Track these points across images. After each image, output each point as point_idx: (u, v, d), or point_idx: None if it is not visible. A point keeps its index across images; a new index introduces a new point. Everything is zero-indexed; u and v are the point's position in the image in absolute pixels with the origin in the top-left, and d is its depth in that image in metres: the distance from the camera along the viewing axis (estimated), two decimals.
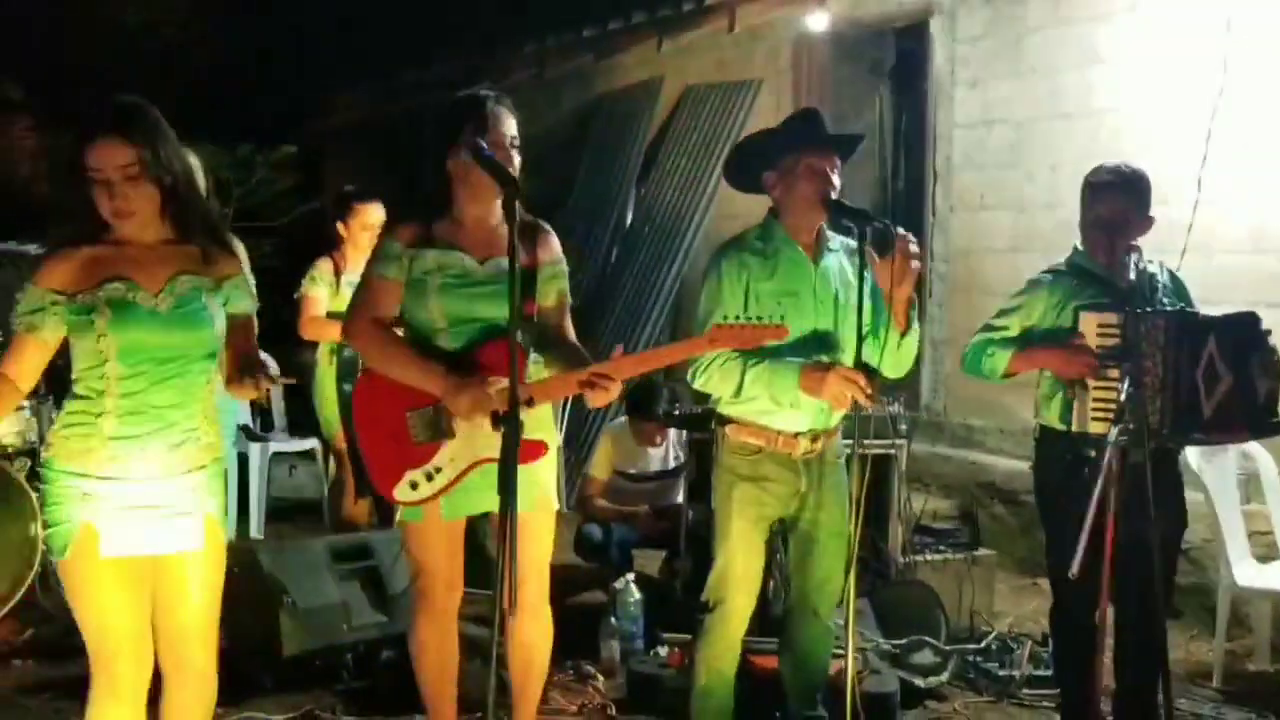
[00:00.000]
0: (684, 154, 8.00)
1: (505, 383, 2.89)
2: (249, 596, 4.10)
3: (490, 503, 2.96)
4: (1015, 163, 6.09)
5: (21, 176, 11.94)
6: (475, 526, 3.43)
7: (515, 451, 2.59)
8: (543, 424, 3.17)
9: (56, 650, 4.34)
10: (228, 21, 12.74)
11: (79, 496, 2.69)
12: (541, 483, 3.18)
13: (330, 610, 4.09)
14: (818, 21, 6.74)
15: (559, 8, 8.68)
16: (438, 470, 3.04)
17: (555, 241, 3.23)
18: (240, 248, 2.98)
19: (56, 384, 2.82)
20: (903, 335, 3.30)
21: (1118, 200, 3.61)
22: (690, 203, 7.75)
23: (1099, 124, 5.68)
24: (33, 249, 8.52)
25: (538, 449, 3.08)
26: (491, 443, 2.88)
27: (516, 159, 3.07)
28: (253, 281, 3.01)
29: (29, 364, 2.73)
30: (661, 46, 7.67)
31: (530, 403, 2.92)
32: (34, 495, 4.56)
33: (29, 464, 4.97)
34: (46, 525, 2.77)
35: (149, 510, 2.71)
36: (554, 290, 3.19)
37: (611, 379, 2.93)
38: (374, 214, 5.43)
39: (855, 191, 7.45)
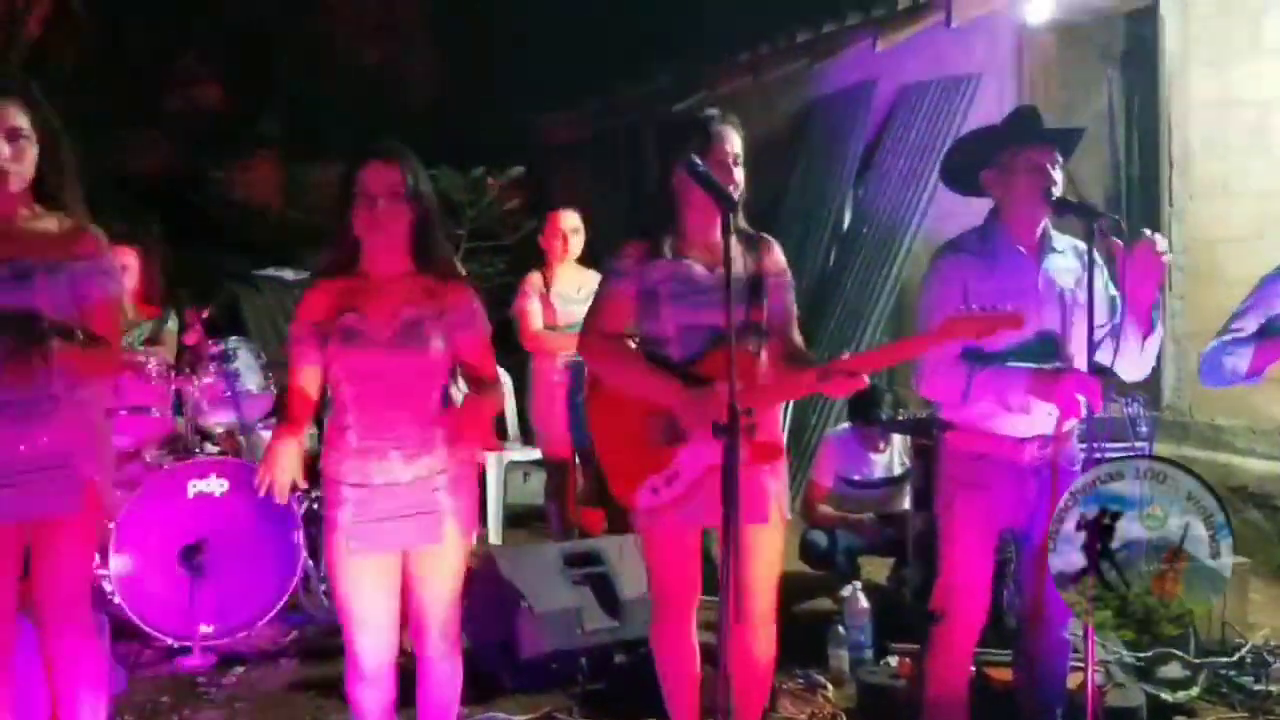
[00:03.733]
0: (901, 154, 7.87)
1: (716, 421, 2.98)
2: (488, 600, 4.32)
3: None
4: (1258, 147, 5.73)
5: (272, 206, 12.87)
6: (708, 533, 3.50)
7: (736, 462, 2.63)
8: (774, 429, 3.20)
9: (318, 650, 4.67)
10: (453, 48, 13.34)
11: (337, 501, 3.03)
12: (771, 493, 3.18)
13: (564, 614, 4.23)
14: (1039, 11, 6.50)
15: (772, 13, 8.68)
16: (676, 475, 3.11)
17: (779, 253, 3.27)
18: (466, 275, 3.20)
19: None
20: (1145, 337, 3.19)
21: None
22: (908, 203, 7.61)
23: None
24: (287, 274, 9.20)
25: (773, 450, 3.12)
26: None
27: (739, 175, 3.13)
28: (480, 310, 3.20)
29: (308, 382, 3.09)
30: (876, 46, 7.56)
31: (749, 412, 2.97)
32: (295, 506, 4.92)
33: None
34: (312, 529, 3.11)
35: (392, 511, 3.00)
36: (780, 300, 3.21)
37: (854, 371, 2.94)
38: (566, 220, 5.62)
39: (1087, 180, 7.18)
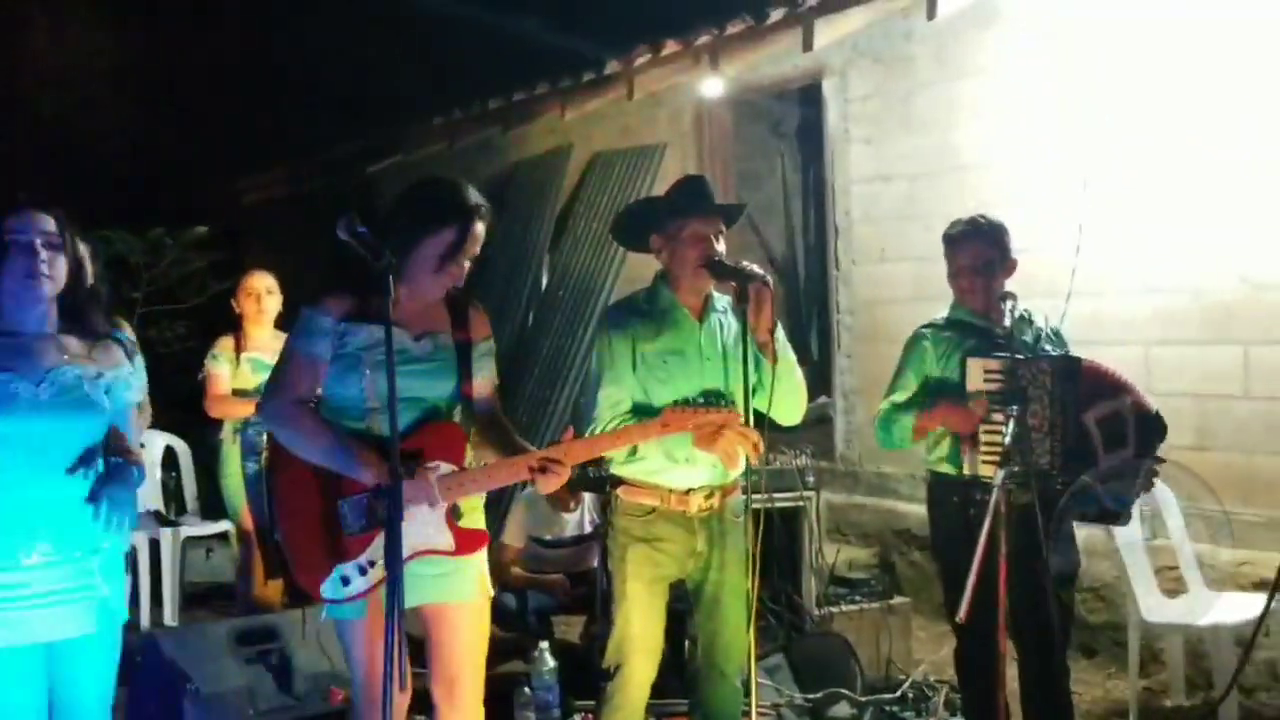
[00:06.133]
0: (594, 218, 8.10)
1: (446, 468, 2.88)
2: (151, 685, 4.05)
3: (436, 593, 2.94)
4: (912, 215, 6.23)
5: None
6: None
7: (399, 521, 2.56)
8: (479, 512, 3.07)
9: None
10: (142, 105, 12.72)
11: None
12: (478, 568, 3.05)
13: (235, 695, 4.03)
14: (713, 88, 6.87)
15: (465, 80, 8.77)
16: (372, 564, 2.85)
17: (485, 320, 3.14)
18: (128, 334, 3.00)
19: None
20: (774, 365, 3.32)
21: (978, 247, 3.74)
22: (601, 265, 7.83)
23: (988, 175, 5.84)
24: None
25: (479, 538, 2.98)
26: (430, 532, 2.86)
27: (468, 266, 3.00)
28: (140, 372, 3.01)
29: None
30: (565, 115, 7.77)
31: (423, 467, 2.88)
32: None
33: None
34: None
35: (40, 598, 2.74)
36: (483, 369, 3.09)
37: (562, 463, 2.90)
38: (257, 281, 5.55)
39: (766, 246, 7.62)
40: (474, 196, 2.97)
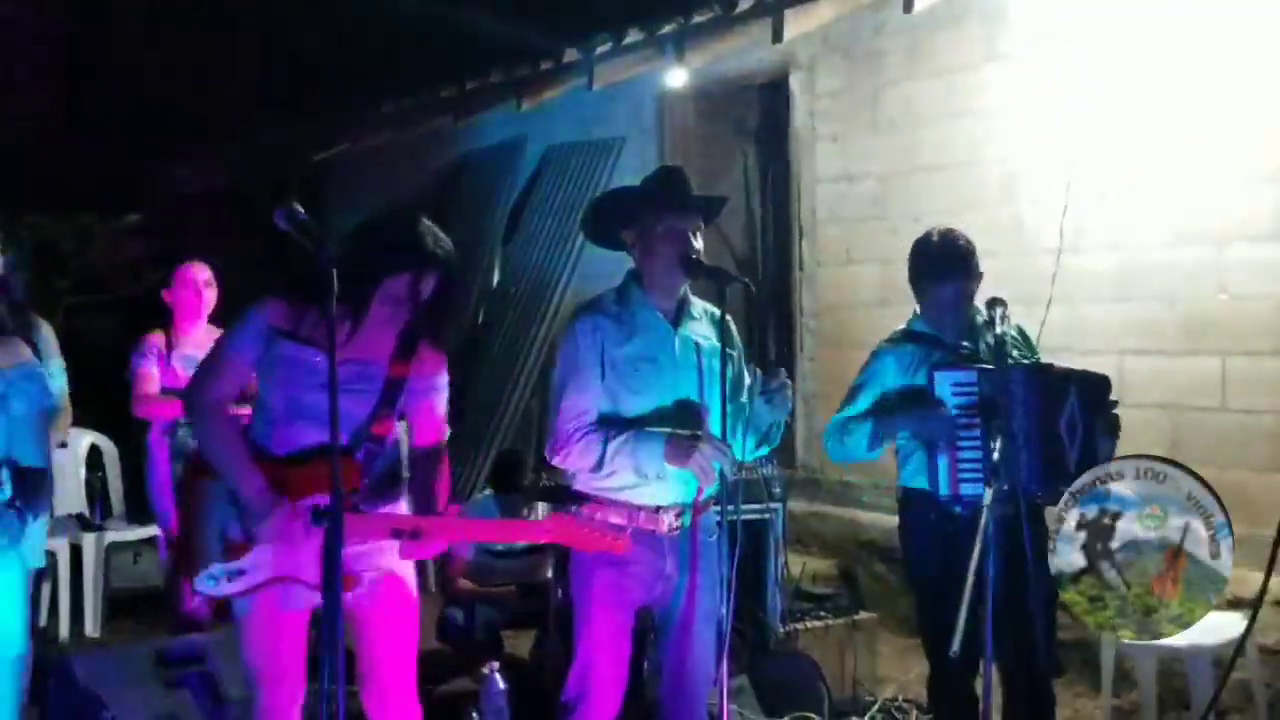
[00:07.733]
0: (549, 214, 7.86)
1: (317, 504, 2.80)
2: (63, 711, 3.74)
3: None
4: (879, 216, 6.06)
5: None
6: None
7: (338, 550, 2.39)
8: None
9: None
10: (73, 87, 12.29)
11: None
12: (384, 569, 2.99)
13: None
14: (676, 78, 6.65)
15: (415, 68, 8.46)
16: (240, 573, 2.86)
17: (439, 360, 3.06)
18: (47, 340, 2.76)
19: None
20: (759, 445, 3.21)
21: (962, 282, 3.57)
22: (556, 263, 7.60)
23: (959, 176, 5.68)
24: None
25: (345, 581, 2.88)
26: (300, 562, 2.82)
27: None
28: (57, 370, 2.77)
29: None
30: (521, 105, 7.50)
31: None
32: None
33: None
34: None
35: None
36: (421, 408, 3.04)
37: (426, 535, 2.84)
38: (195, 271, 5.28)
39: (725, 246, 7.40)
40: (430, 242, 2.86)
